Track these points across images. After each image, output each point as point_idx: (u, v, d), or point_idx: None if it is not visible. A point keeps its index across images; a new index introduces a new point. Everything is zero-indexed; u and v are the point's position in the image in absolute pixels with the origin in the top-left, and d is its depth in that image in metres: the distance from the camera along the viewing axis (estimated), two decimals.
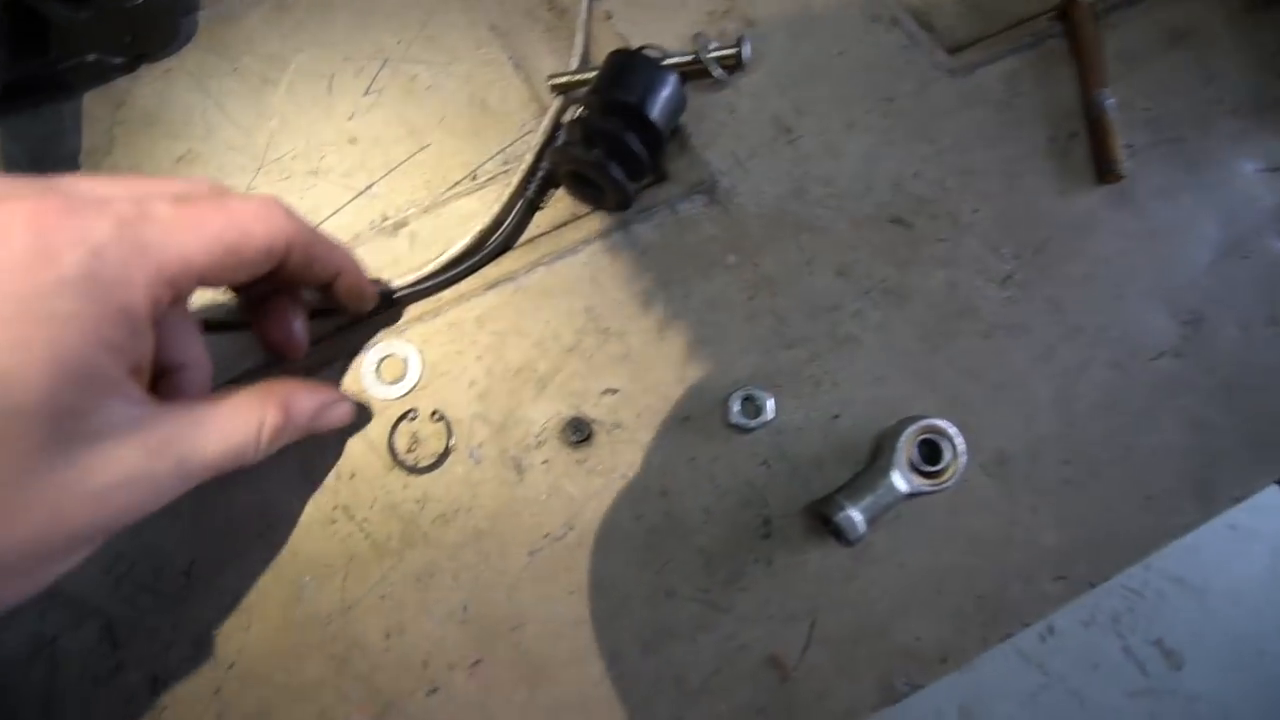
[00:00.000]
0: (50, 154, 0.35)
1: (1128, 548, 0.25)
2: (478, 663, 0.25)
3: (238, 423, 0.21)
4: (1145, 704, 1.12)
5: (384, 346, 0.29)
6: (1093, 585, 0.25)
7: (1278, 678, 1.11)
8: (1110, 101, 0.31)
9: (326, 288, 0.24)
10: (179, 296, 0.19)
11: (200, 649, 0.27)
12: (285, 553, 0.27)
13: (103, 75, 0.37)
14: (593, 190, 0.30)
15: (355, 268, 0.25)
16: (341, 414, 0.26)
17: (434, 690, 0.25)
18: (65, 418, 0.16)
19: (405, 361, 0.28)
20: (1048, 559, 0.25)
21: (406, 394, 0.28)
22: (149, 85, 0.37)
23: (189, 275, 0.18)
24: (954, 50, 0.34)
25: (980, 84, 0.33)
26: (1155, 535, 0.25)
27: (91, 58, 0.35)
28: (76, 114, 0.37)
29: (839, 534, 0.24)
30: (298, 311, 0.26)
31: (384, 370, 0.28)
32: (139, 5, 0.34)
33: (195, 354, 0.23)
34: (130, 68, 0.37)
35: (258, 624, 0.27)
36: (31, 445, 0.16)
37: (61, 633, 0.27)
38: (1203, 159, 0.31)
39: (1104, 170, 0.30)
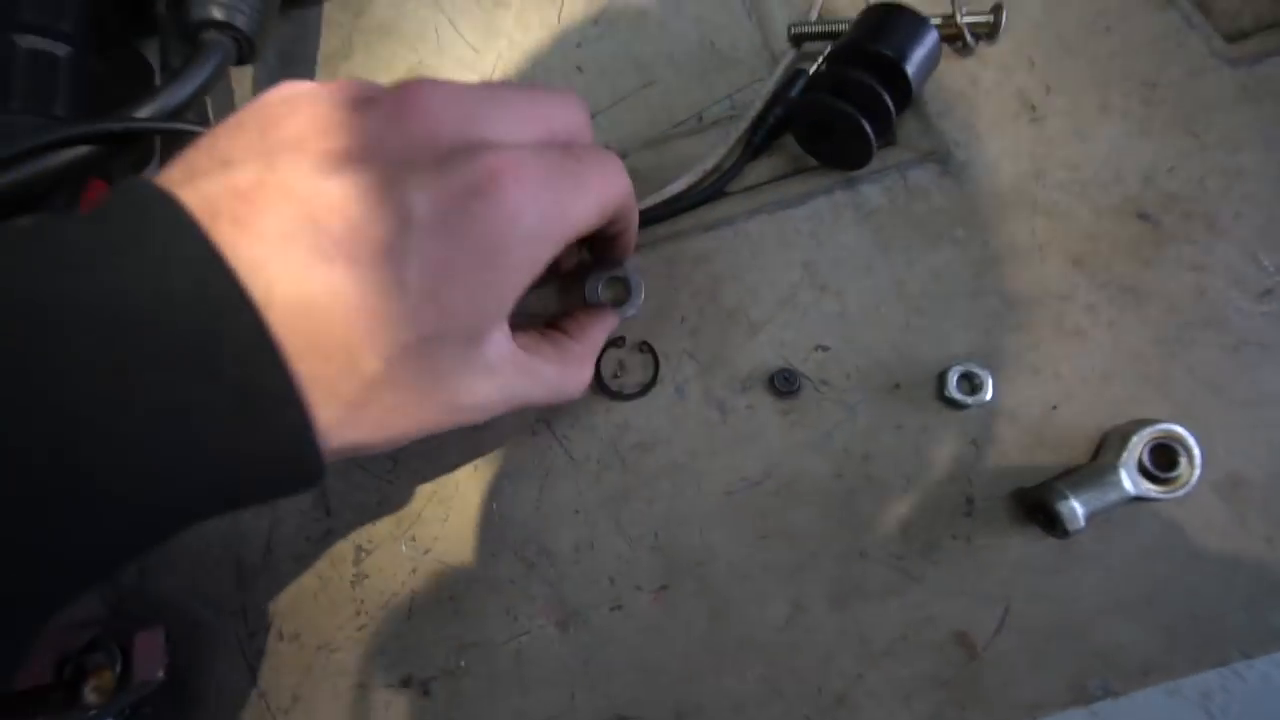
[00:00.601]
0: (296, 55, 0.38)
1: None
2: (663, 588, 0.26)
3: (564, 369, 0.24)
4: None
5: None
6: None
7: None
8: None
9: (610, 239, 0.26)
10: (565, 249, 0.21)
11: (401, 529, 0.29)
12: (488, 454, 0.29)
13: None
14: (829, 144, 0.29)
15: (635, 224, 0.26)
16: (615, 324, 0.28)
17: (617, 607, 0.27)
18: (473, 349, 0.19)
19: (628, 283, 0.29)
20: (1278, 593, 0.24)
21: (630, 316, 0.28)
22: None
23: (580, 234, 0.21)
24: (1234, 38, 0.31)
25: (1266, 76, 0.30)
26: None
27: None
28: (319, 20, 0.39)
29: (1055, 523, 0.24)
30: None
31: (605, 290, 0.29)
32: None
33: None
34: None
35: (455, 516, 0.29)
36: (445, 367, 0.19)
37: None
38: None
39: None
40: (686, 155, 0.32)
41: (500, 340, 0.20)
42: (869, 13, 0.29)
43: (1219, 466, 0.25)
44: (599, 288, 0.28)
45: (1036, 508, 0.24)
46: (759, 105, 0.31)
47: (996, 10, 0.31)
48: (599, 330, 0.26)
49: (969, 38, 0.31)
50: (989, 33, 0.31)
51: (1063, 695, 0.24)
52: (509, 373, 0.21)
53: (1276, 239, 0.28)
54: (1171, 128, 0.30)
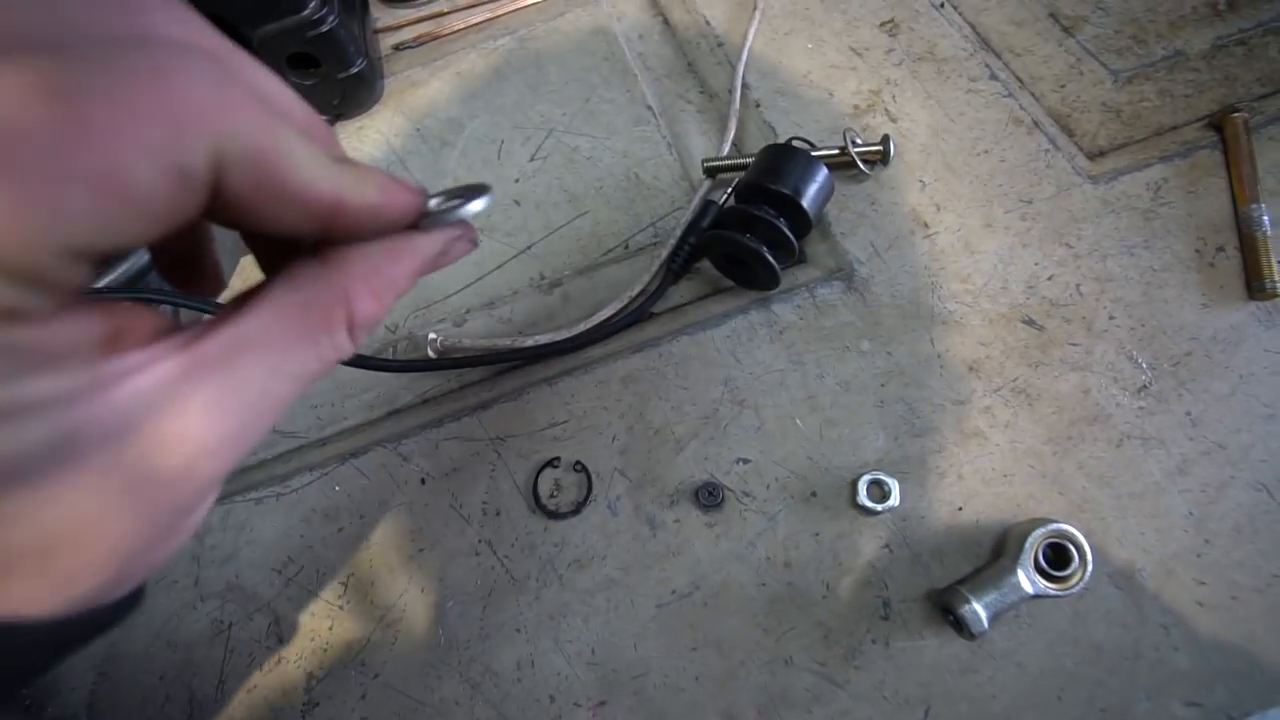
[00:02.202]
0: None
1: (1274, 685, 0.25)
2: (601, 704, 0.27)
3: (307, 334, 0.14)
4: None
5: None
6: (1231, 718, 0.24)
7: None
8: (1265, 217, 0.31)
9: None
10: None
11: (351, 654, 0.30)
12: (433, 577, 0.30)
13: None
14: (742, 270, 0.32)
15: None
16: (466, 246, 0.18)
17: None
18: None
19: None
20: (1179, 682, 0.25)
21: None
22: (345, 141, 0.42)
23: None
24: (1095, 156, 0.35)
25: (1123, 191, 0.33)
26: None
27: None
28: None
29: (961, 626, 0.25)
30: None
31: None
32: (350, 75, 0.40)
33: None
34: (331, 124, 0.43)
35: (403, 639, 0.30)
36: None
37: (237, 621, 0.31)
38: None
39: (1255, 287, 0.30)
40: (615, 280, 0.35)
41: (138, 377, 0.12)
42: (766, 152, 0.32)
43: (1114, 558, 0.27)
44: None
45: (946, 610, 0.26)
46: (677, 234, 0.34)
47: (885, 141, 0.34)
48: (388, 243, 0.15)
49: (862, 166, 0.34)
50: (881, 159, 0.35)
51: None
52: (205, 394, 0.12)
53: (1146, 338, 0.30)
54: (1047, 239, 0.33)
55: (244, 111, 0.12)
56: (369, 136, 0.43)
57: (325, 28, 0.36)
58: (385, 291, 0.15)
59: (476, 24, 0.46)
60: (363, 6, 0.44)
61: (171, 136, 0.11)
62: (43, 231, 0.10)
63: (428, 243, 0.16)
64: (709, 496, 0.29)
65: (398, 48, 0.46)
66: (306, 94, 0.40)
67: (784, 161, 0.31)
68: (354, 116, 0.43)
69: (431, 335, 0.35)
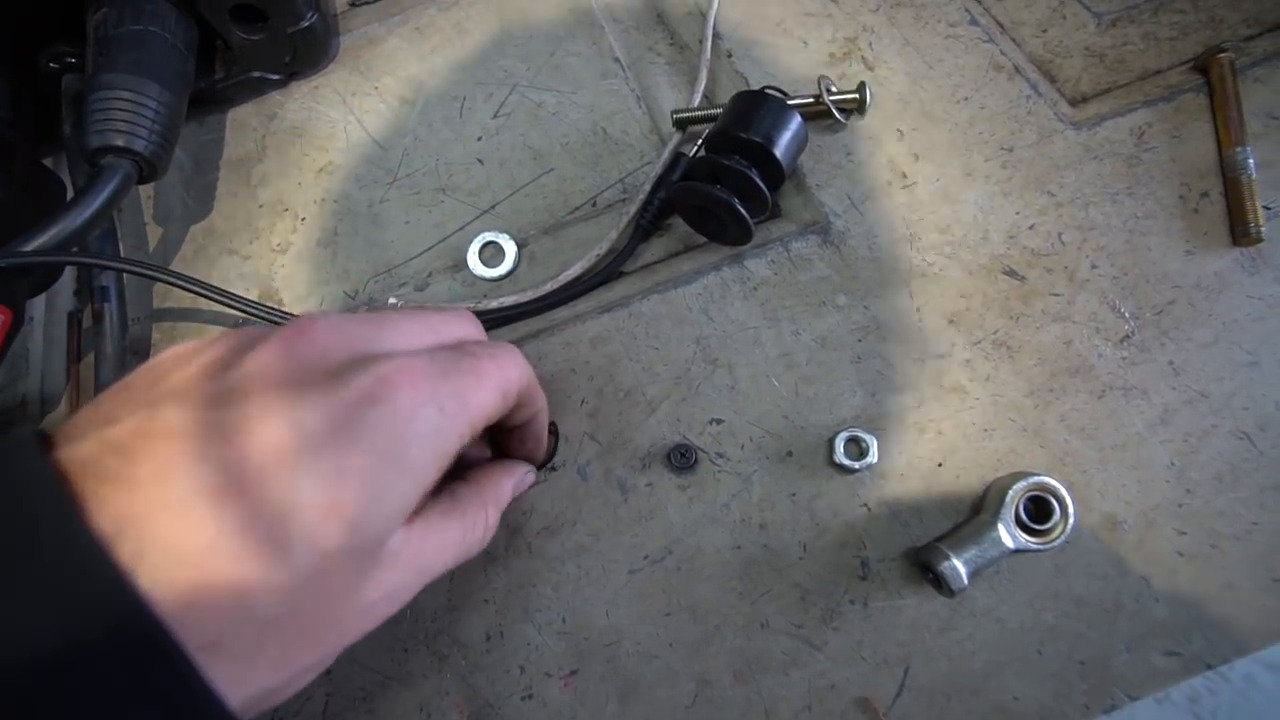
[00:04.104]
0: (210, 159, 0.39)
1: (1251, 632, 0.24)
2: (573, 673, 0.26)
3: (467, 530, 0.22)
4: None
5: (485, 235, 0.32)
6: (1210, 666, 0.24)
7: None
8: (1250, 160, 0.30)
9: (516, 429, 0.26)
10: (471, 440, 0.21)
11: None
12: None
13: (260, 90, 0.40)
14: (713, 224, 0.31)
15: (545, 412, 0.26)
16: (531, 479, 0.27)
17: (529, 696, 0.26)
18: (379, 550, 0.18)
19: (504, 250, 0.31)
20: (1159, 632, 0.25)
21: (506, 275, 0.30)
22: (299, 100, 0.40)
23: (483, 423, 0.21)
24: (1078, 102, 0.34)
25: (1106, 137, 0.32)
26: None
27: (255, 75, 0.39)
28: (234, 124, 0.40)
29: (941, 583, 0.24)
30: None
31: (485, 254, 0.31)
32: (301, 29, 0.37)
33: None
34: (284, 84, 0.40)
35: None
36: (355, 578, 0.18)
37: None
38: None
39: (1239, 232, 0.29)
40: (583, 239, 0.33)
41: (402, 530, 0.19)
42: (737, 100, 0.31)
43: (1096, 510, 0.26)
44: (476, 253, 0.31)
45: (925, 568, 0.25)
46: (646, 189, 0.32)
47: (861, 88, 0.33)
48: (504, 477, 0.25)
49: (838, 114, 0.33)
50: (857, 108, 0.33)
51: None
52: (413, 552, 0.20)
53: (1129, 287, 0.29)
54: (1028, 188, 0.32)
55: (520, 371, 0.22)
56: (324, 95, 0.41)
57: None
58: (502, 506, 0.25)
59: None
60: None
61: (506, 390, 0.21)
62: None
63: (519, 469, 0.27)
64: (681, 459, 0.28)
65: (354, 3, 0.44)
66: (254, 50, 0.38)
67: (755, 109, 0.30)
68: (308, 75, 0.41)
69: (393, 300, 0.34)
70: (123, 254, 0.34)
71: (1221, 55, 0.32)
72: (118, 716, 0.14)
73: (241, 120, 0.40)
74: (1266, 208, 0.30)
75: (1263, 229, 0.29)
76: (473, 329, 0.23)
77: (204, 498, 0.15)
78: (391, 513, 0.18)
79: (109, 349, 0.31)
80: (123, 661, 0.14)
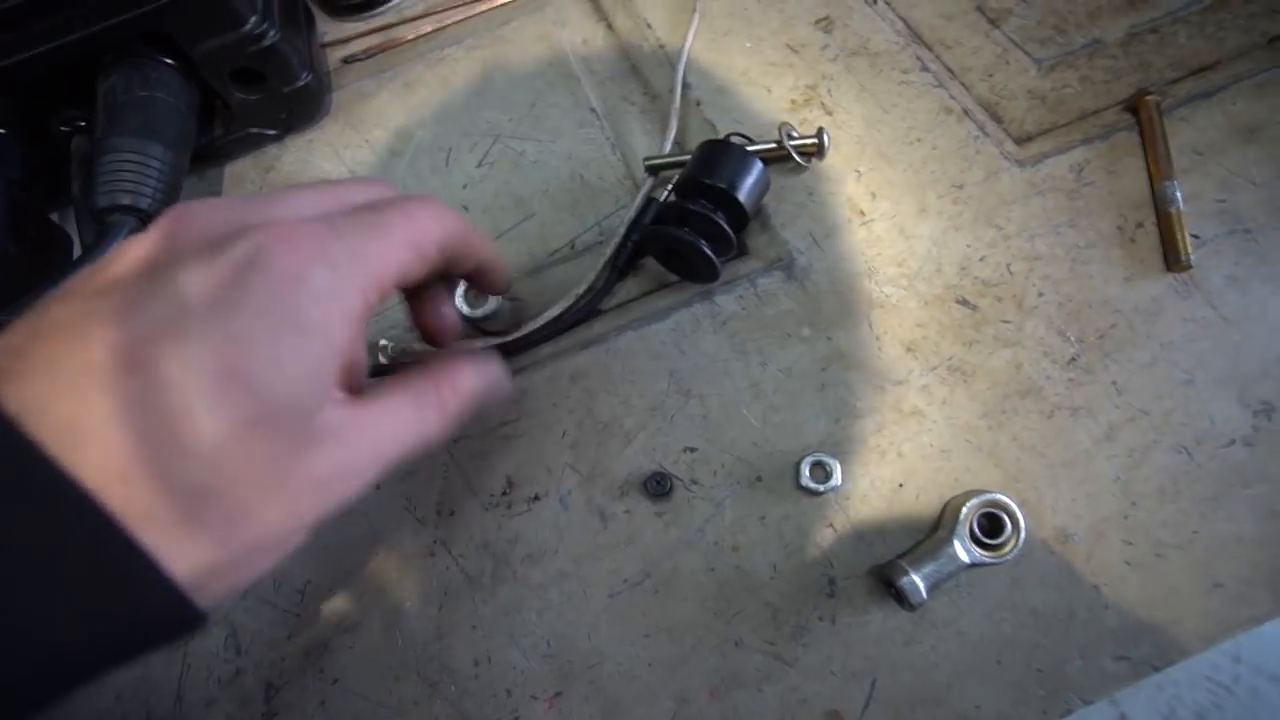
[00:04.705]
0: None
1: (1194, 634, 0.26)
2: (557, 695, 0.28)
3: (420, 410, 0.21)
4: None
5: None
6: (1156, 669, 0.25)
7: None
8: (1178, 193, 0.32)
9: (470, 276, 0.26)
10: (382, 300, 0.20)
11: (310, 662, 0.30)
12: (389, 580, 0.31)
13: (257, 145, 0.43)
14: (683, 264, 0.33)
15: (497, 257, 0.26)
16: (505, 387, 0.26)
17: (515, 718, 0.28)
18: (307, 421, 0.18)
19: (485, 297, 0.32)
20: (1109, 638, 0.26)
21: (490, 315, 0.32)
22: (294, 153, 0.43)
23: (392, 279, 0.20)
24: (1022, 141, 0.36)
25: (1048, 173, 0.35)
26: (1224, 624, 0.26)
27: (252, 131, 0.41)
28: (232, 176, 0.43)
29: (901, 598, 0.26)
30: (447, 298, 0.27)
31: (467, 298, 0.32)
32: (296, 89, 0.40)
33: (360, 347, 0.24)
34: (280, 138, 0.43)
35: (360, 643, 0.30)
36: (282, 448, 0.17)
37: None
38: (1272, 251, 0.31)
39: (1171, 259, 0.32)
40: (563, 280, 0.35)
41: (338, 402, 0.19)
42: (703, 148, 0.33)
43: (1048, 524, 0.28)
44: (461, 294, 0.32)
45: (888, 583, 0.27)
46: (621, 231, 0.34)
47: (819, 133, 0.35)
48: (461, 360, 0.24)
49: (799, 158, 0.35)
50: (817, 151, 0.36)
51: None
52: (361, 428, 0.19)
53: (1073, 313, 0.31)
54: (978, 222, 0.34)
55: (439, 221, 0.22)
56: (318, 149, 0.43)
57: (267, 42, 0.36)
58: (461, 394, 0.23)
59: (424, 35, 0.46)
60: (308, 21, 0.44)
61: (418, 242, 0.21)
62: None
63: (488, 368, 0.25)
64: (657, 486, 0.29)
65: (347, 61, 0.46)
66: (253, 109, 0.40)
67: (718, 156, 0.32)
68: (303, 130, 0.43)
69: (383, 342, 0.35)
70: None
71: (1149, 97, 0.35)
72: (57, 594, 0.15)
73: (239, 173, 0.42)
74: (1195, 236, 0.32)
75: (1191, 256, 0.31)
76: (384, 190, 0.22)
77: (94, 376, 0.15)
78: (299, 375, 0.17)
79: None
80: (54, 538, 0.15)
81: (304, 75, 0.40)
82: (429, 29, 0.46)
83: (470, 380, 0.24)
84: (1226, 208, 0.33)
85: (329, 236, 0.18)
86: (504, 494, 0.31)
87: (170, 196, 0.33)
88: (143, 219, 0.32)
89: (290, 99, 0.41)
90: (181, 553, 0.16)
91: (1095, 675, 0.26)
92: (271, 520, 0.17)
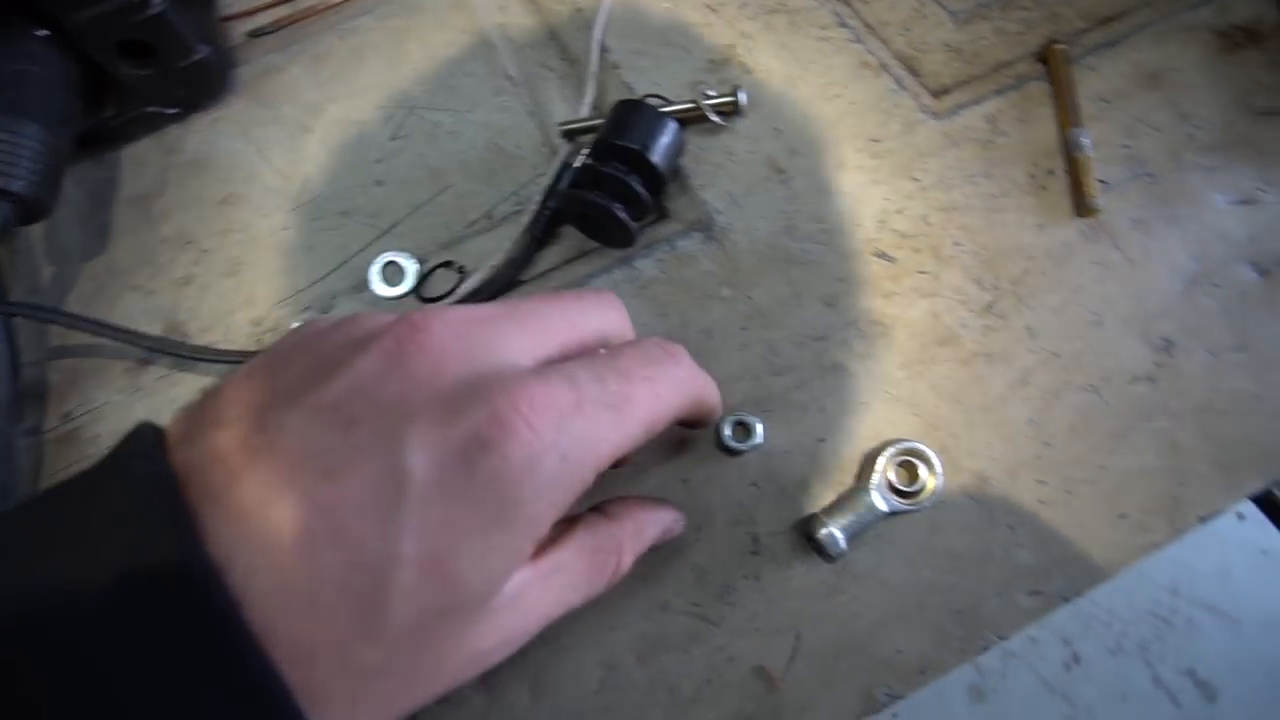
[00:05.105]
0: (108, 197, 0.39)
1: (1100, 564, 0.26)
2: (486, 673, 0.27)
3: (596, 570, 0.20)
4: None
5: (386, 255, 0.33)
6: (1066, 600, 0.26)
7: None
8: (1086, 140, 0.33)
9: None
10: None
11: None
12: None
13: (157, 125, 0.40)
14: (599, 229, 0.32)
15: (719, 405, 0.25)
16: (679, 529, 0.26)
17: (444, 700, 0.27)
18: (489, 601, 0.17)
19: (404, 270, 0.32)
20: (1023, 575, 0.27)
21: (408, 293, 0.31)
22: (198, 133, 0.41)
23: (615, 458, 0.19)
24: (939, 93, 0.36)
25: (964, 125, 0.35)
26: (1126, 552, 0.26)
27: (149, 109, 0.39)
28: (131, 160, 0.40)
29: (822, 551, 0.26)
30: None
31: (387, 273, 0.32)
32: (193, 63, 0.38)
33: None
34: (182, 117, 0.41)
35: None
36: (458, 628, 0.17)
37: None
38: (1176, 193, 0.32)
39: (1080, 204, 0.32)
40: (481, 252, 0.34)
41: (515, 575, 0.18)
42: (615, 110, 0.32)
43: (965, 469, 0.28)
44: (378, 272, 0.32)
45: (808, 537, 0.27)
46: (538, 199, 0.34)
47: (734, 92, 0.35)
48: (649, 519, 0.23)
49: (715, 118, 0.35)
50: (734, 110, 0.35)
51: (855, 707, 0.25)
52: (536, 596, 0.18)
53: (988, 261, 0.32)
54: (896, 175, 0.34)
55: (682, 391, 0.21)
56: (224, 128, 0.41)
57: (152, 11, 0.34)
58: (639, 550, 0.23)
59: (334, 5, 0.44)
60: None
61: (655, 421, 0.20)
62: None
63: (668, 516, 0.25)
64: None
65: (253, 34, 0.44)
66: (147, 85, 0.38)
67: (631, 117, 0.32)
68: (207, 108, 0.41)
69: (295, 324, 0.34)
70: (14, 296, 0.34)
71: (1057, 46, 0.35)
72: None
73: (139, 156, 0.40)
74: (1103, 181, 0.32)
75: (1098, 201, 0.31)
76: (616, 319, 0.21)
77: (304, 539, 0.15)
78: (496, 570, 0.17)
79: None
80: (228, 699, 0.14)
81: (200, 48, 0.38)
82: (333, 1, 0.44)
83: (653, 534, 0.23)
84: (1131, 153, 0.33)
85: (571, 414, 0.17)
86: None
87: (49, 178, 0.31)
88: (16, 203, 0.30)
89: (188, 74, 0.38)
90: (321, 710, 0.15)
91: (1011, 612, 0.26)
92: (426, 696, 0.17)
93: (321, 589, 0.15)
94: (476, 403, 0.16)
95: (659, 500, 0.25)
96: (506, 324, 0.18)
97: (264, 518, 0.15)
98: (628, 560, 0.22)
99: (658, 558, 0.28)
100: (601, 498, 0.24)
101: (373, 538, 0.15)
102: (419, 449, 0.15)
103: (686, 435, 0.29)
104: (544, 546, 0.19)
